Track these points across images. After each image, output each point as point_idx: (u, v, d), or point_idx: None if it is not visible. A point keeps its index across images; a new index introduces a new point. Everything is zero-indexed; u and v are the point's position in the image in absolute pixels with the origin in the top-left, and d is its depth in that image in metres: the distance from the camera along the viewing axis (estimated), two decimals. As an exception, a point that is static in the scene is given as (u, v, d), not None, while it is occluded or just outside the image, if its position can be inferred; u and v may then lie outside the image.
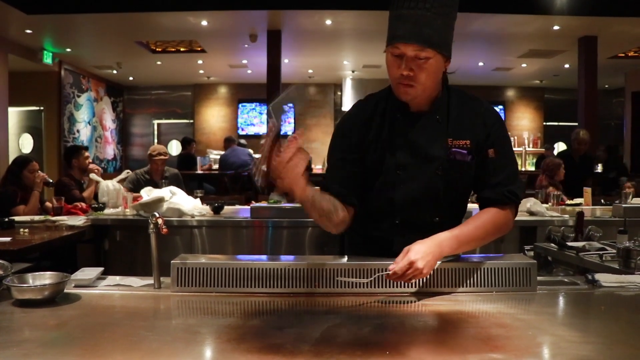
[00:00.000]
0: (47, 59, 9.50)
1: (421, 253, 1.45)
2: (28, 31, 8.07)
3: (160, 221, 1.63)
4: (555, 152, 7.19)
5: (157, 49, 9.78)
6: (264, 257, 1.72)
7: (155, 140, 13.72)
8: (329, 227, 1.65)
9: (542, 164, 5.78)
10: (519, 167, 10.53)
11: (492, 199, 1.67)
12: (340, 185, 1.68)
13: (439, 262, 1.54)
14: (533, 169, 10.02)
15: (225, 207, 4.36)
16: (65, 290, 1.51)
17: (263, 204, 4.22)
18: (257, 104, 13.20)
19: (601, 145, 9.57)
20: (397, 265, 1.43)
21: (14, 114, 10.09)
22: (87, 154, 5.09)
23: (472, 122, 1.68)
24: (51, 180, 4.54)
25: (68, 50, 9.65)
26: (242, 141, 10.40)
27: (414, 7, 1.50)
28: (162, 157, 5.27)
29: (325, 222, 1.62)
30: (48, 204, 4.43)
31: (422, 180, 1.66)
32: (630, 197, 4.38)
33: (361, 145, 1.69)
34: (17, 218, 3.86)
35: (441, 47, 1.55)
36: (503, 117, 12.83)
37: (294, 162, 1.34)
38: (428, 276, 1.55)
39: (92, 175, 4.88)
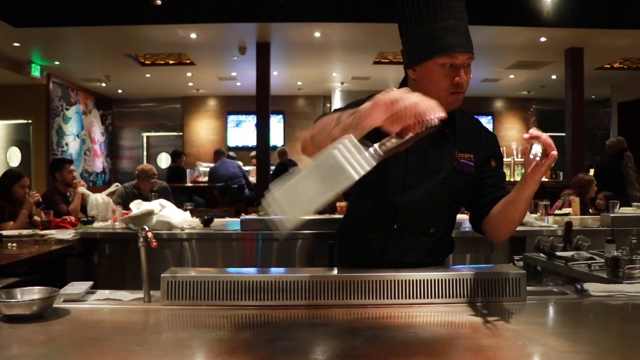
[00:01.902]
0: (35, 72, 9.45)
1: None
2: (16, 44, 8.03)
3: (150, 235, 1.62)
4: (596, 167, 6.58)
5: (146, 62, 9.77)
6: (254, 269, 1.72)
7: (145, 153, 13.67)
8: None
9: (573, 181, 5.50)
10: (509, 178, 10.66)
11: (504, 196, 1.72)
12: None
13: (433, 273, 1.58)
14: (521, 179, 10.09)
15: (215, 219, 4.34)
16: (54, 305, 1.49)
17: (253, 216, 4.21)
18: (247, 116, 13.22)
19: None
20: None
21: (2, 127, 10.04)
22: (71, 167, 5.02)
23: (475, 138, 1.77)
24: (41, 201, 4.51)
25: (56, 63, 9.61)
26: (232, 153, 10.42)
27: (460, 17, 1.56)
28: (149, 179, 5.29)
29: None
30: (36, 217, 4.39)
31: (428, 188, 1.70)
32: (618, 206, 4.42)
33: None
34: (4, 232, 3.83)
35: None
36: (492, 128, 13.01)
37: None
38: (419, 287, 1.57)
39: (81, 189, 4.85)
